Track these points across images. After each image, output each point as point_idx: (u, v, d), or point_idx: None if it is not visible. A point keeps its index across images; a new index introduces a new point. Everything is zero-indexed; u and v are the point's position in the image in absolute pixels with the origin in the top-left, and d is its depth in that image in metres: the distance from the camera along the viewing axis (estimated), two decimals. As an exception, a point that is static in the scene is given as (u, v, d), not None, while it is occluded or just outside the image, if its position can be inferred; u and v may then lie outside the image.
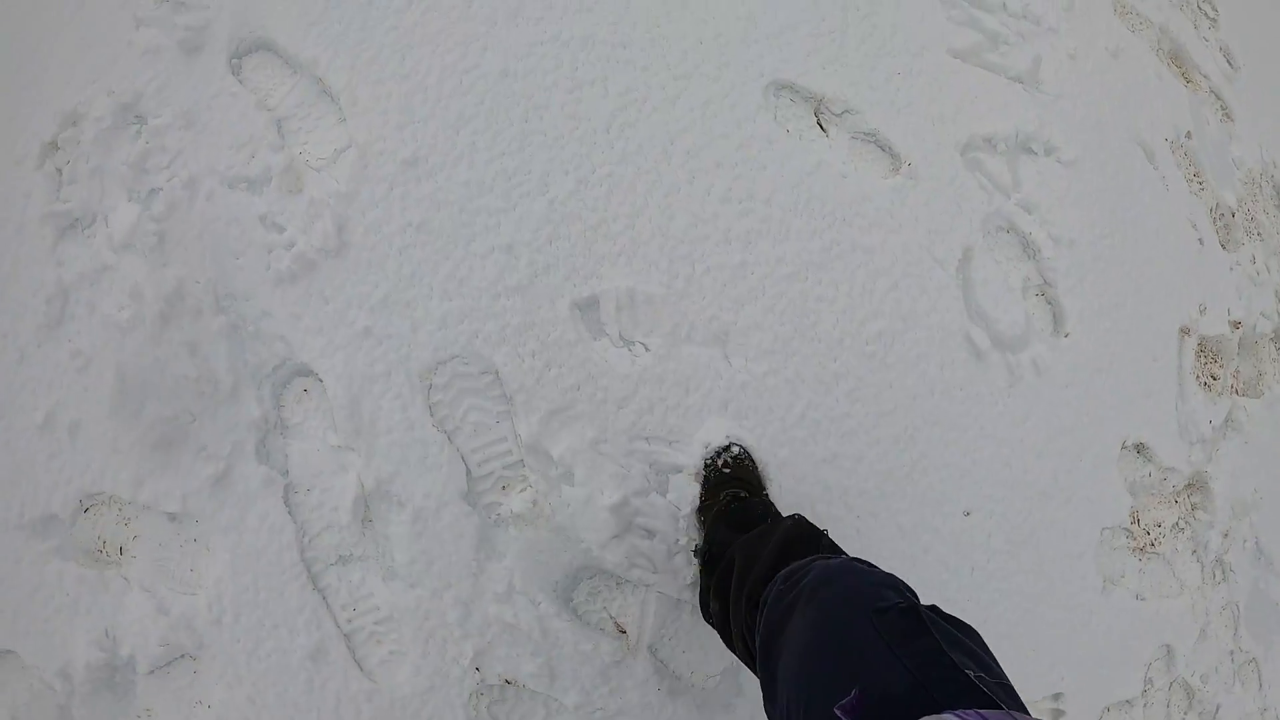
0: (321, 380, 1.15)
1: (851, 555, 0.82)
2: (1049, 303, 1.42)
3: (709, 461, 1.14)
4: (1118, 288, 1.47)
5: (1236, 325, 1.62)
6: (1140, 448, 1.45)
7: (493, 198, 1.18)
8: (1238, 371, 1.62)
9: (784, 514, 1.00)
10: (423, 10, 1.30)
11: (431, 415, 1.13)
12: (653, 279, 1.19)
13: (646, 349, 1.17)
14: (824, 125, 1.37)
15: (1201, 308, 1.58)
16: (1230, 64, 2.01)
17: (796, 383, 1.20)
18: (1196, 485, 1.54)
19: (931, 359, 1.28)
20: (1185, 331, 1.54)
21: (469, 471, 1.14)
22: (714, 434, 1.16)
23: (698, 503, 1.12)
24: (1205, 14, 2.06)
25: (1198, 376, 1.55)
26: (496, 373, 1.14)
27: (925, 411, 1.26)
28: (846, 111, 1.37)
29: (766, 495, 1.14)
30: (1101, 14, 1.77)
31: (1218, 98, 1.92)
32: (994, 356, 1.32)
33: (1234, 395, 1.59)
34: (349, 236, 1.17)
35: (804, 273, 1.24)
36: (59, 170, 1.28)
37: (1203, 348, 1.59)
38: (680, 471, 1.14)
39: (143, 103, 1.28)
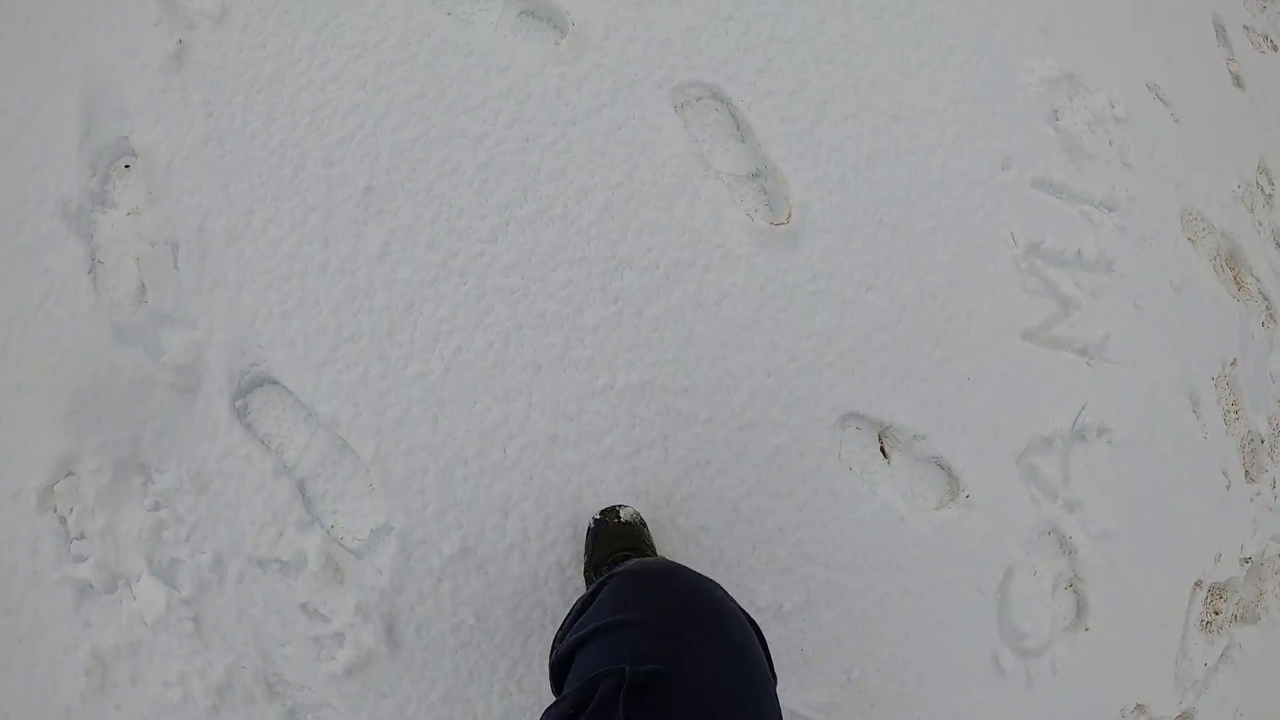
0: (385, 764, 1.14)
1: None
2: (1076, 594, 1.45)
3: None
4: (1145, 567, 1.50)
5: (1246, 561, 1.66)
6: (1138, 708, 1.56)
7: (547, 593, 1.11)
8: (1240, 599, 1.69)
9: None
10: (453, 350, 1.11)
11: (497, 794, 1.15)
12: (710, 661, 1.16)
13: (701, 724, 1.18)
14: (887, 451, 1.26)
15: (1218, 556, 1.61)
16: None
17: (837, 734, 1.24)
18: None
19: (960, 686, 1.32)
20: (1198, 585, 1.59)
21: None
22: None
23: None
24: (1262, 190, 1.90)
25: (1202, 619, 1.62)
26: (558, 757, 1.14)
27: (948, 732, 1.33)
28: (915, 438, 1.26)
29: None
30: (1170, 234, 1.62)
31: (1265, 299, 1.82)
32: (1017, 670, 1.36)
33: (1232, 625, 1.67)
34: (400, 636, 1.10)
35: (854, 631, 1.23)
36: (63, 520, 1.14)
37: (1211, 590, 1.64)
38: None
39: (142, 451, 1.12)
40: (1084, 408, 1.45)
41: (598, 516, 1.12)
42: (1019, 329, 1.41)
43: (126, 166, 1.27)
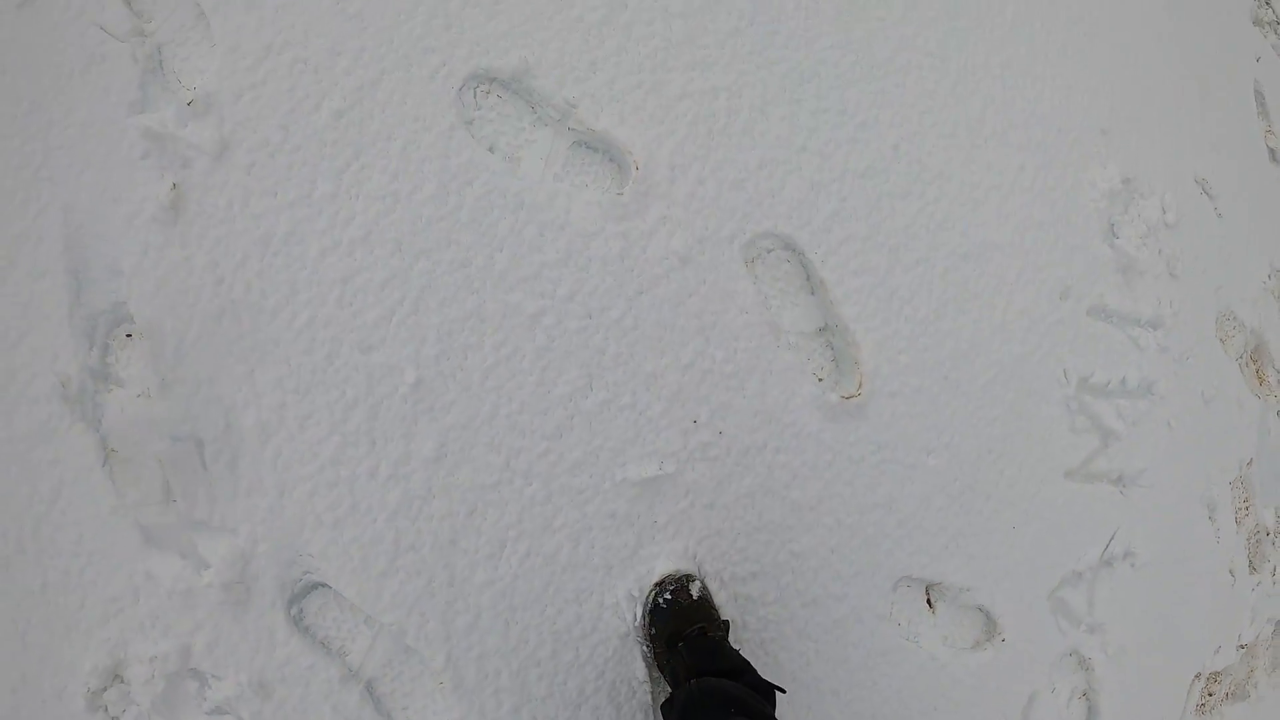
0: None
1: None
2: (1088, 702, 1.56)
3: None
4: (1153, 670, 1.62)
5: (1243, 647, 1.78)
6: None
7: (621, 775, 1.13)
8: (1232, 680, 1.82)
9: None
10: (521, 556, 1.07)
11: None
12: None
13: None
14: (932, 602, 1.29)
15: (1218, 649, 1.72)
16: (1301, 338, 1.89)
17: None
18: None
19: (980, 797, 1.44)
20: (1198, 677, 1.70)
21: None
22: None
23: None
24: (1289, 273, 1.87)
25: (1197, 704, 1.75)
26: None
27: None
28: (962, 590, 1.28)
29: None
30: (1206, 343, 1.63)
31: (1283, 392, 1.85)
32: (1029, 777, 1.49)
33: (1223, 704, 1.81)
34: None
35: (893, 769, 1.30)
36: None
37: (1209, 679, 1.76)
38: None
39: (194, 658, 1.07)
40: (1113, 536, 1.50)
41: (668, 596, 1.11)
42: (1063, 469, 1.43)
43: (128, 335, 1.11)
